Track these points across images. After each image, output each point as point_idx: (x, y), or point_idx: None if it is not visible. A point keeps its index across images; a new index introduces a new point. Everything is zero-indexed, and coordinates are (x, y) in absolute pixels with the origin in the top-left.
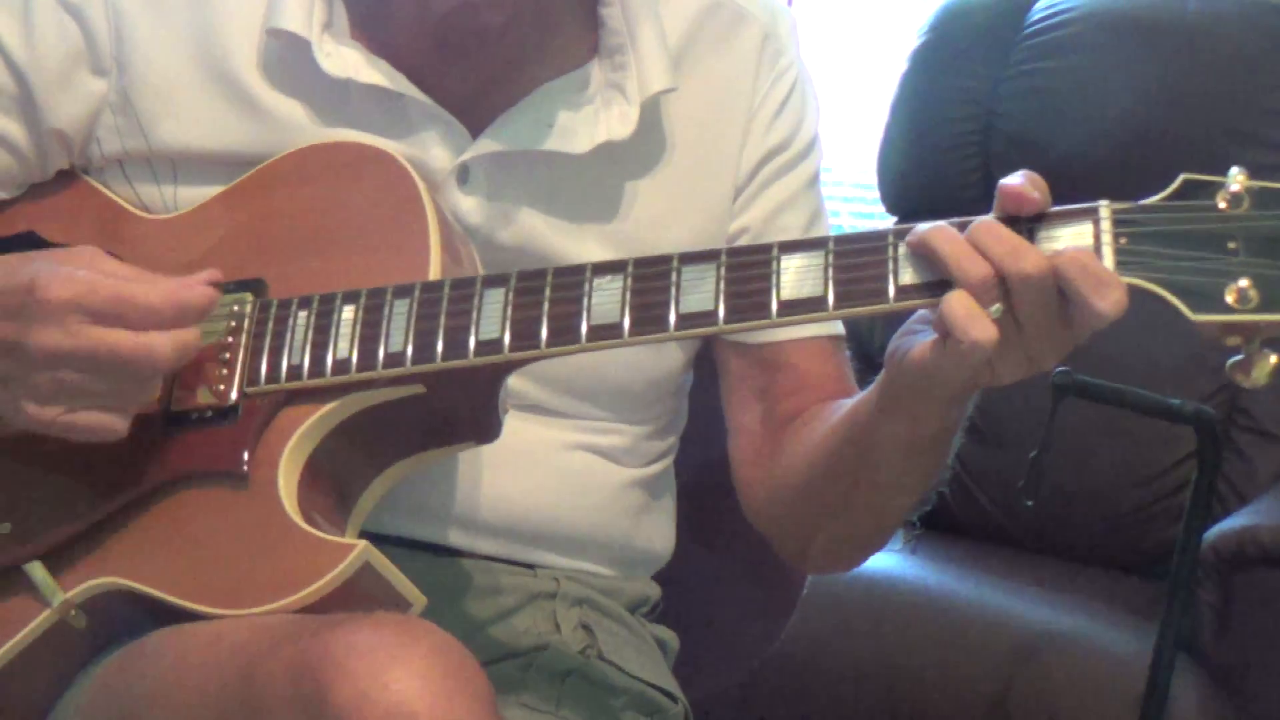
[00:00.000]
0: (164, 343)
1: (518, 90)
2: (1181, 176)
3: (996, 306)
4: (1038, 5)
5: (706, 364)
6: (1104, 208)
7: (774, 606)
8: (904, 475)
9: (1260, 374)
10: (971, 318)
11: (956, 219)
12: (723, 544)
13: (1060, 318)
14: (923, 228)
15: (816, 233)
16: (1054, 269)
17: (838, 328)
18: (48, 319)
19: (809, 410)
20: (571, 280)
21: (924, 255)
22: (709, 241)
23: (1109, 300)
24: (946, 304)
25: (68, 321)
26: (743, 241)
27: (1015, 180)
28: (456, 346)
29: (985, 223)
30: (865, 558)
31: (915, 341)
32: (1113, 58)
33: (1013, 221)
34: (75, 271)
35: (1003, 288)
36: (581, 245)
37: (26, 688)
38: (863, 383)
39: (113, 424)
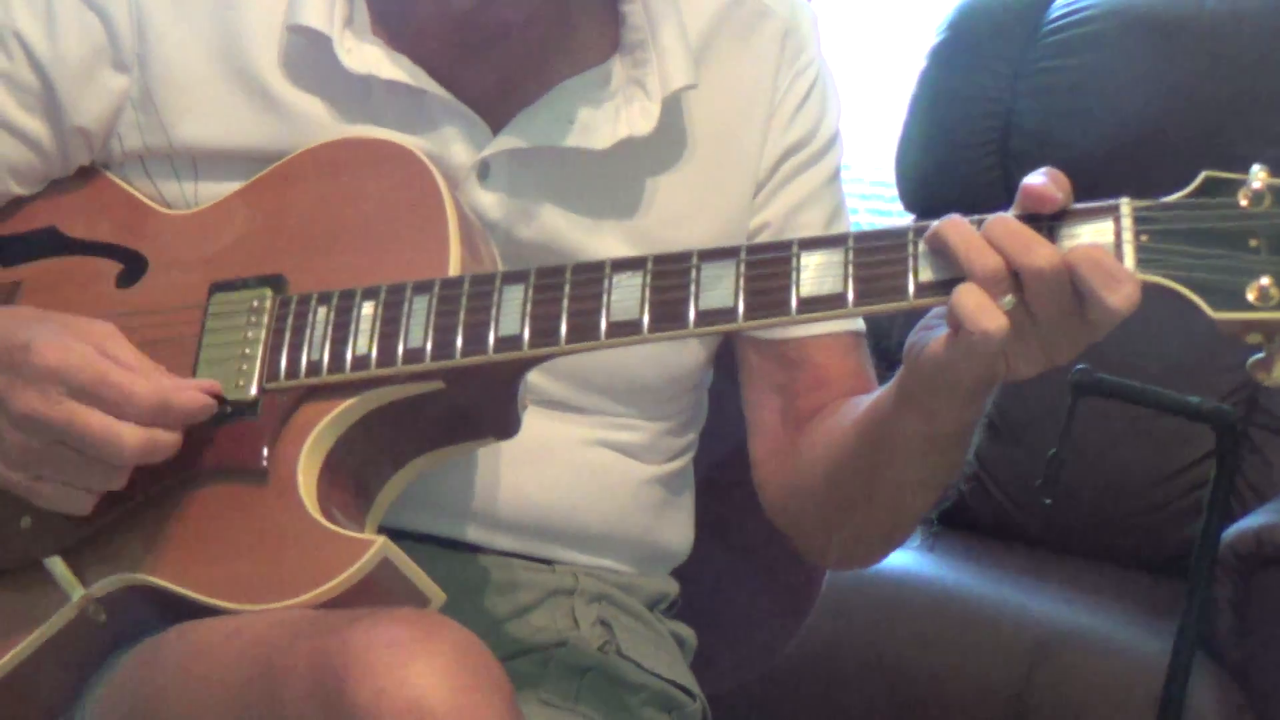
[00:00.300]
0: (132, 436)
1: (538, 87)
2: (1203, 174)
3: (1009, 299)
4: (1056, 3)
5: (724, 360)
6: (1125, 205)
7: (792, 604)
8: (923, 472)
9: None
10: (981, 309)
11: (976, 216)
12: (740, 541)
13: (1075, 313)
14: (938, 222)
15: (837, 229)
16: (1066, 264)
17: (858, 324)
18: (31, 382)
19: (829, 406)
20: (591, 277)
21: (938, 249)
22: (729, 238)
23: (1120, 295)
24: (956, 295)
25: (48, 389)
26: (763, 238)
27: (1038, 180)
28: (476, 343)
29: (999, 218)
30: (885, 554)
31: (931, 337)
32: (1132, 55)
33: (1034, 219)
34: (73, 343)
35: (1016, 282)
36: (601, 241)
37: (47, 682)
38: (882, 380)
39: (75, 501)
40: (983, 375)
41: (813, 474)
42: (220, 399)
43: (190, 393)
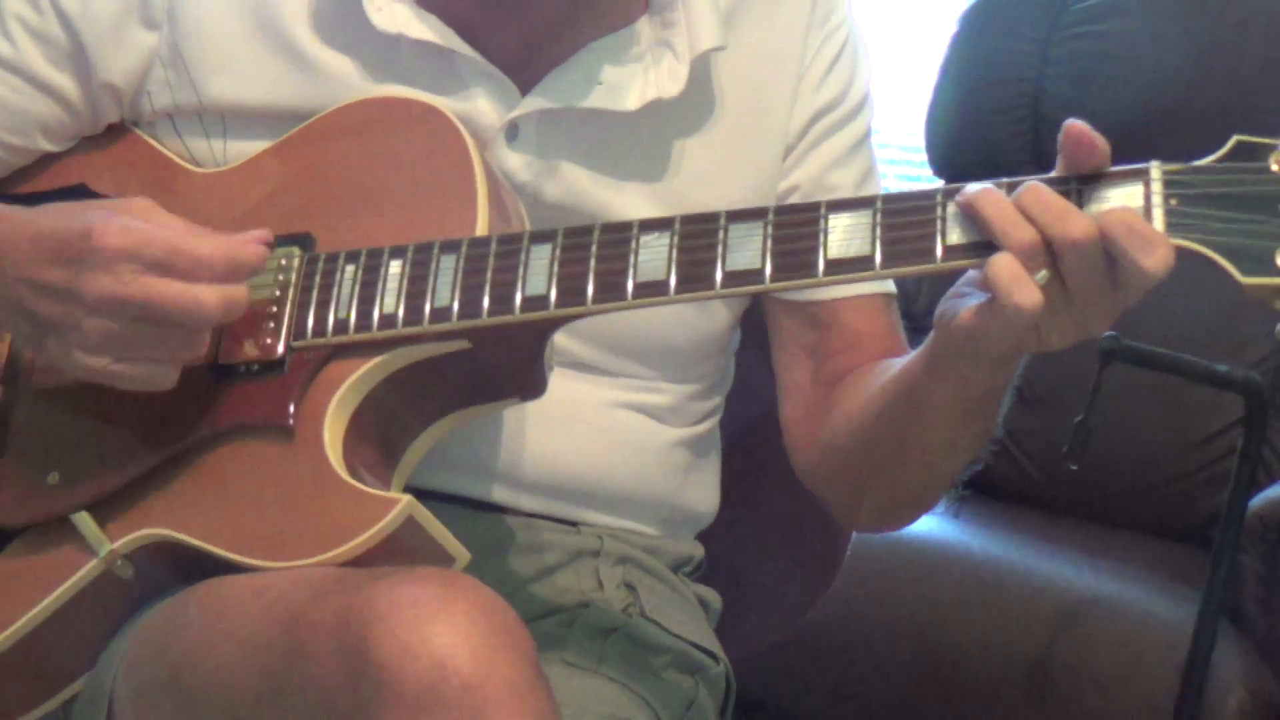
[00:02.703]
0: (212, 296)
1: (567, 47)
2: (1234, 138)
3: (1044, 273)
4: None
5: (749, 326)
6: (1155, 169)
7: (816, 569)
8: (954, 435)
9: None
10: (1016, 282)
11: (1005, 179)
12: (766, 506)
13: (1108, 280)
14: (971, 189)
15: (868, 190)
16: (1100, 231)
17: (889, 285)
18: (101, 266)
19: (860, 368)
20: (618, 237)
21: (970, 217)
22: (758, 200)
23: (1155, 258)
24: (992, 267)
25: (121, 270)
26: (793, 200)
27: (1081, 122)
28: (503, 302)
29: (1032, 187)
30: (916, 516)
31: (963, 304)
32: (1163, 22)
33: (1063, 182)
34: (131, 221)
35: (1050, 252)
36: (629, 203)
37: (73, 636)
38: (909, 344)
39: (160, 375)
40: (1014, 345)
41: (844, 436)
42: (270, 244)
43: (251, 245)
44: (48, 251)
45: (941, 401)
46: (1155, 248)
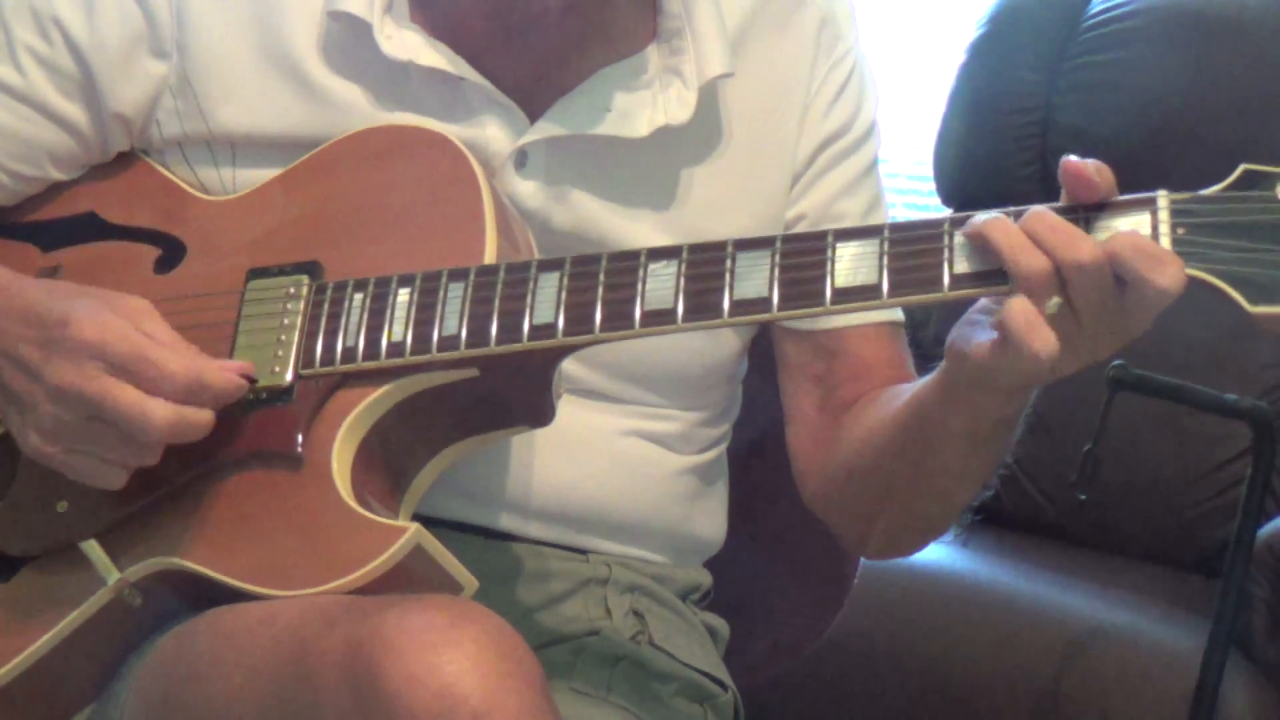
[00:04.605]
0: (163, 413)
1: (576, 75)
2: (1241, 167)
3: (1055, 300)
4: None
5: (755, 350)
6: (1162, 197)
7: (824, 597)
8: (968, 462)
9: None
10: (1032, 328)
11: (1011, 208)
12: (773, 533)
13: (1117, 304)
14: (980, 219)
15: (875, 218)
16: (1109, 254)
17: (897, 314)
18: (67, 356)
19: (867, 396)
20: (626, 266)
21: (980, 246)
22: (765, 228)
23: (1167, 275)
24: (1008, 312)
25: (84, 364)
26: (800, 229)
27: (1078, 159)
28: (510, 330)
29: (1039, 213)
30: (926, 543)
31: (976, 334)
32: (1172, 51)
33: (1070, 211)
34: (111, 319)
35: (1059, 278)
36: (638, 230)
37: (82, 664)
38: (918, 372)
39: (108, 475)
40: (1028, 380)
41: (853, 464)
42: (252, 380)
43: (224, 372)
44: (31, 327)
45: (955, 429)
46: (1166, 265)
